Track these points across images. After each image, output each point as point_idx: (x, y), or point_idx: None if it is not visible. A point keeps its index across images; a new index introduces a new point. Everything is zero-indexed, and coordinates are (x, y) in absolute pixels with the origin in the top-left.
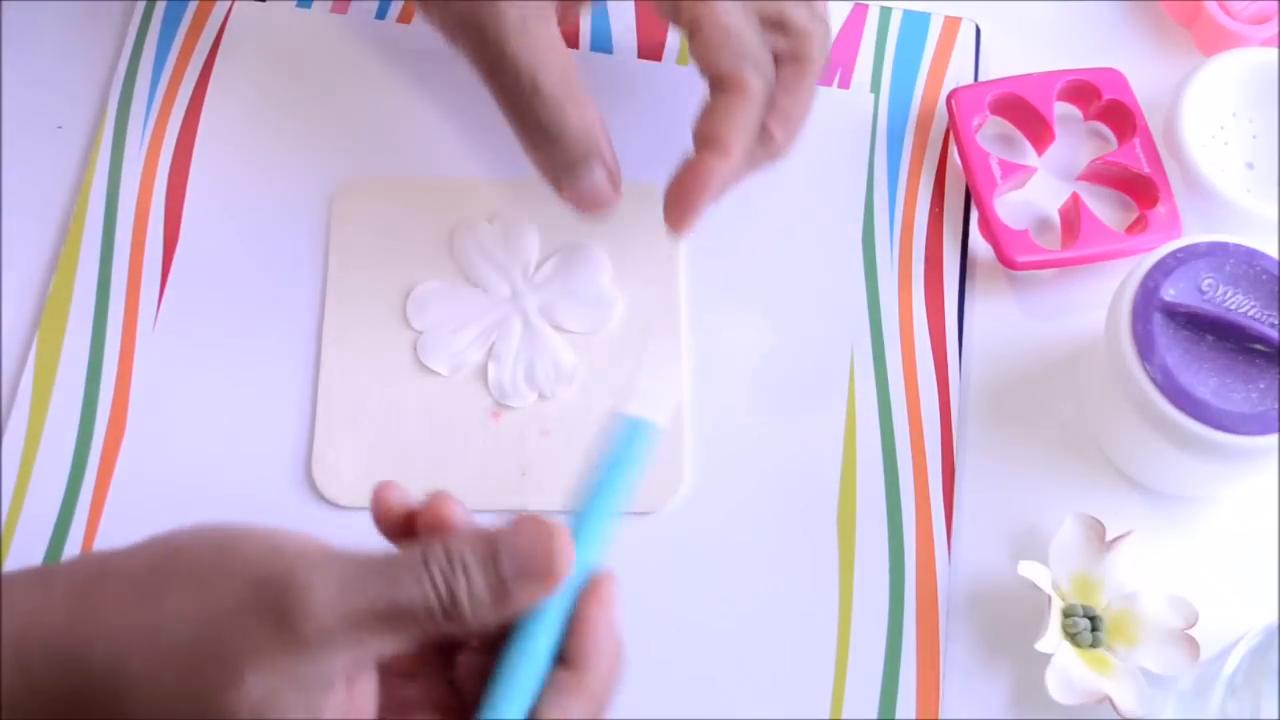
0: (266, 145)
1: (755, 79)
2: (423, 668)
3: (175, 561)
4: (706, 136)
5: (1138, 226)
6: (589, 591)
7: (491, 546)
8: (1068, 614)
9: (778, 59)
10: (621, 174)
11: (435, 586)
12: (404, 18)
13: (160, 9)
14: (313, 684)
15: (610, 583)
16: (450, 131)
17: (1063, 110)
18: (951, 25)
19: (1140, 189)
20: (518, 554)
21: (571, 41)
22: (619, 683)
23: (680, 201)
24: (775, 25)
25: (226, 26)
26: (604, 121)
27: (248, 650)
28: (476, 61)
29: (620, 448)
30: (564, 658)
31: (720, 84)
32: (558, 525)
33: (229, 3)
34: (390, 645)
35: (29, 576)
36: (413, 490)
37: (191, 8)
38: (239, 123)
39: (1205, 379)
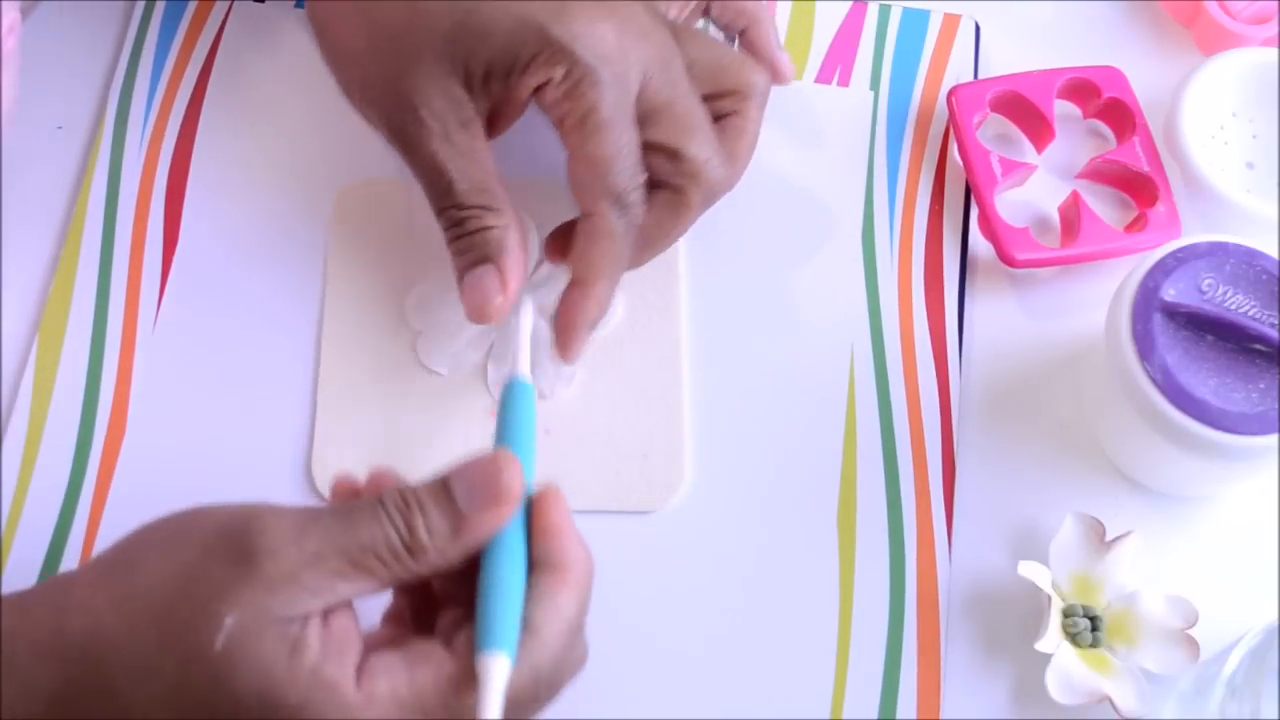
0: (266, 146)
1: (613, 216)
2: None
3: (140, 538)
4: (573, 271)
5: (1137, 225)
6: (540, 503)
7: (443, 483)
8: (1068, 614)
9: (660, 184)
10: (519, 286)
11: (394, 523)
12: None
13: (160, 9)
14: (288, 618)
15: (556, 491)
16: None
17: (1062, 108)
18: (951, 23)
19: (1140, 188)
20: (469, 483)
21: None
22: (592, 582)
23: (563, 334)
24: (670, 154)
25: (226, 26)
26: (520, 234)
27: (219, 592)
28: (400, 150)
29: (515, 403)
30: (539, 566)
31: (583, 215)
32: (503, 452)
33: (229, 2)
34: (358, 585)
35: (9, 601)
36: None
37: (191, 8)
38: (239, 123)
39: (1205, 379)
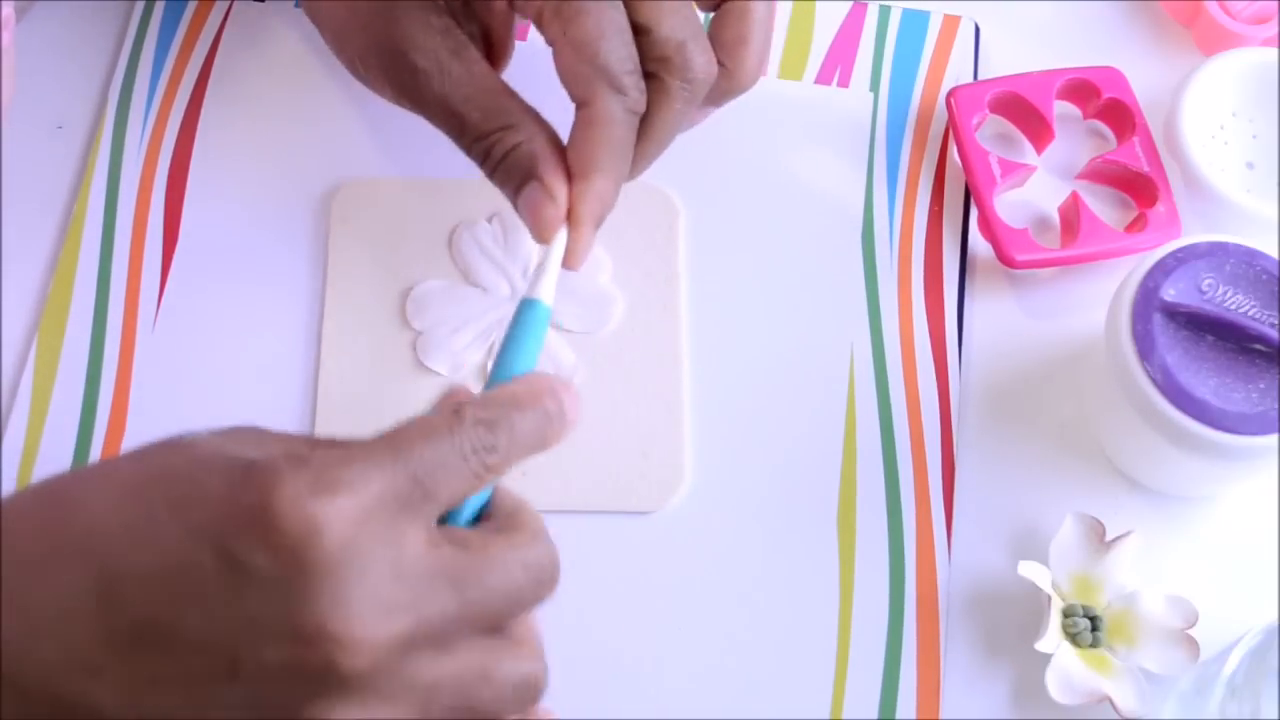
0: (266, 145)
1: (609, 100)
2: None
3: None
4: (570, 166)
5: (1137, 225)
6: None
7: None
8: (1068, 614)
9: (647, 71)
10: (566, 193)
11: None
12: None
13: (160, 9)
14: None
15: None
16: None
17: (1062, 109)
18: (951, 24)
19: (1139, 188)
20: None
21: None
22: None
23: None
24: (643, 34)
25: (226, 26)
26: (548, 136)
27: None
28: (414, 109)
29: (525, 321)
30: None
31: (578, 107)
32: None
33: (228, 2)
34: None
35: None
36: None
37: (191, 8)
38: (238, 122)
39: (1205, 379)
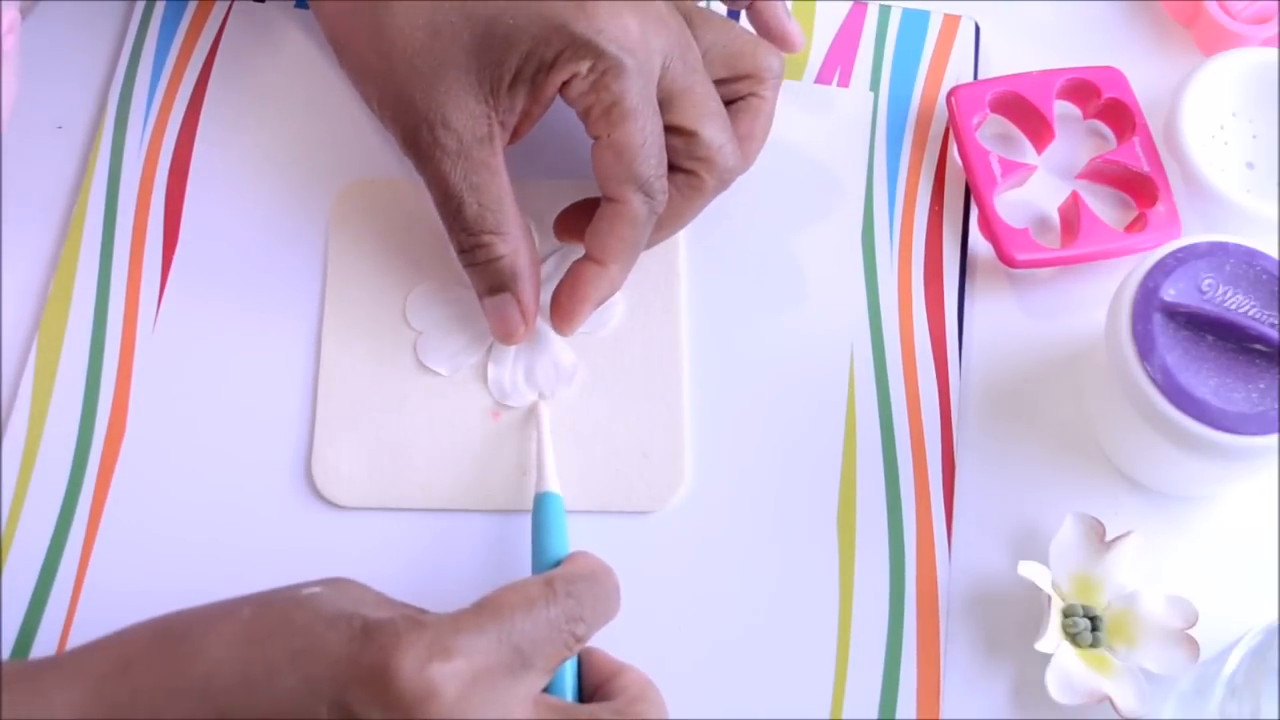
0: (266, 145)
1: (638, 203)
2: None
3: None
4: (589, 249)
5: (1137, 225)
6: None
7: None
8: (1068, 614)
9: (675, 167)
10: (537, 308)
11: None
12: None
13: (160, 9)
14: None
15: None
16: None
17: (1062, 109)
18: (951, 23)
19: (1139, 188)
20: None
21: None
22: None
23: (563, 305)
24: (686, 136)
25: (226, 26)
26: (529, 253)
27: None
28: (415, 165)
29: (547, 516)
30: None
31: (607, 200)
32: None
33: (229, 2)
34: None
35: None
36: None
37: (191, 8)
38: (239, 123)
39: (1205, 379)
